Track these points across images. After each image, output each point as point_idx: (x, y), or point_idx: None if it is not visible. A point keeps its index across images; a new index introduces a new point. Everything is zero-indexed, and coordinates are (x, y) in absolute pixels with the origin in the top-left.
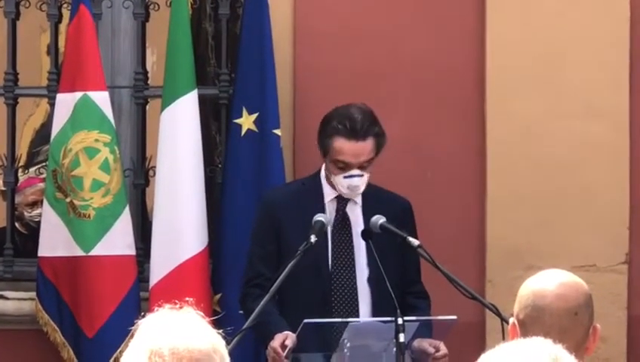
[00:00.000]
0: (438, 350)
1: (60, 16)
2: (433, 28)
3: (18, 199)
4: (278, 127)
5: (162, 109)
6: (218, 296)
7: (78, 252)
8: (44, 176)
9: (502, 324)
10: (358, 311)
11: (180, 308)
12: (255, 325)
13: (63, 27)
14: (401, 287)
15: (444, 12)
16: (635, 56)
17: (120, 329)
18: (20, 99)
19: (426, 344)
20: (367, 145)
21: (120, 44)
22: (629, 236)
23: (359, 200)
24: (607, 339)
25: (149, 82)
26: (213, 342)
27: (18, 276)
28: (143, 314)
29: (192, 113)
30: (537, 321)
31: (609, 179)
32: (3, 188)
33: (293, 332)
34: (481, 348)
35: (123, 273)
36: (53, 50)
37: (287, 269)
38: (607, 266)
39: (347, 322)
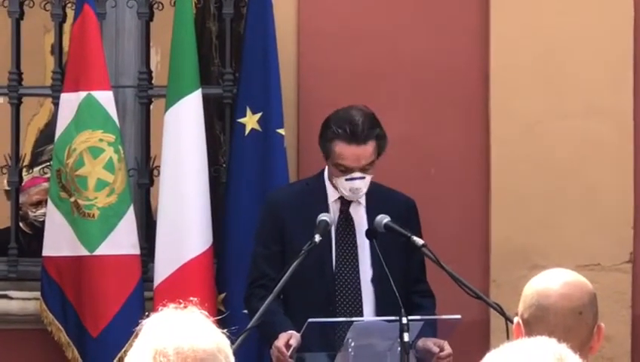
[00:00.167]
0: (442, 349)
1: (64, 15)
2: (437, 27)
3: (22, 199)
4: (281, 127)
5: (166, 109)
6: (222, 296)
7: (83, 251)
8: (48, 175)
9: (506, 324)
10: (362, 311)
11: (185, 307)
12: (259, 325)
13: (67, 27)
14: (406, 286)
15: (447, 11)
16: (639, 55)
17: (124, 328)
18: (24, 99)
19: (430, 343)
20: (368, 149)
21: (124, 44)
22: (633, 235)
23: (363, 200)
24: (612, 338)
25: (153, 82)
26: (218, 341)
27: (22, 276)
28: (147, 313)
29: (196, 113)
30: (542, 321)
31: (613, 178)
32: (7, 188)
33: (298, 331)
34: (486, 347)
35: (127, 273)
36: (57, 49)
37: (291, 268)
38: (611, 265)
39: (351, 321)
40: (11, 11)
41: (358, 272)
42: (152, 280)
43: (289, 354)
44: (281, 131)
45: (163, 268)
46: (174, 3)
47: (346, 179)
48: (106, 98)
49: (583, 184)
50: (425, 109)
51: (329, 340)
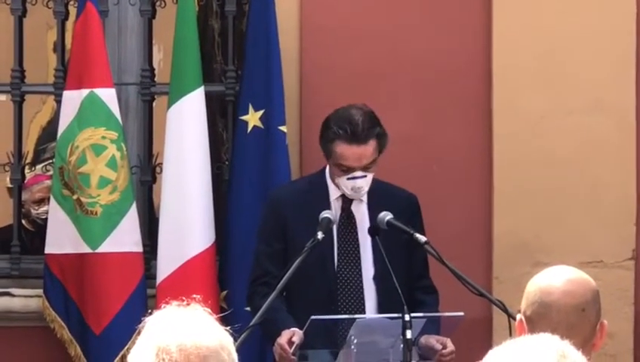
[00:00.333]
0: (445, 346)
1: (67, 13)
2: (440, 25)
3: (25, 196)
4: (283, 124)
5: (169, 106)
6: (224, 293)
7: (85, 249)
8: (50, 173)
9: (509, 321)
10: (364, 309)
11: (188, 305)
12: (262, 322)
13: (69, 24)
14: (409, 283)
15: (451, 9)
16: None
17: (127, 326)
18: (26, 97)
19: (433, 340)
20: (368, 148)
21: (126, 41)
22: (635, 232)
23: (365, 197)
24: (614, 335)
25: (155, 79)
26: (221, 338)
27: (25, 273)
28: (150, 311)
29: (199, 110)
30: (544, 318)
31: (616, 175)
32: (10, 186)
33: (300, 329)
34: (488, 344)
35: (130, 270)
36: (59, 47)
37: (294, 265)
38: (614, 262)
39: (354, 318)
40: (14, 9)
41: (360, 270)
42: (154, 278)
43: (292, 351)
44: (283, 128)
45: (165, 266)
46: (177, 0)
47: (348, 178)
48: (108, 95)
49: (586, 181)
50: (427, 107)
51: (332, 337)
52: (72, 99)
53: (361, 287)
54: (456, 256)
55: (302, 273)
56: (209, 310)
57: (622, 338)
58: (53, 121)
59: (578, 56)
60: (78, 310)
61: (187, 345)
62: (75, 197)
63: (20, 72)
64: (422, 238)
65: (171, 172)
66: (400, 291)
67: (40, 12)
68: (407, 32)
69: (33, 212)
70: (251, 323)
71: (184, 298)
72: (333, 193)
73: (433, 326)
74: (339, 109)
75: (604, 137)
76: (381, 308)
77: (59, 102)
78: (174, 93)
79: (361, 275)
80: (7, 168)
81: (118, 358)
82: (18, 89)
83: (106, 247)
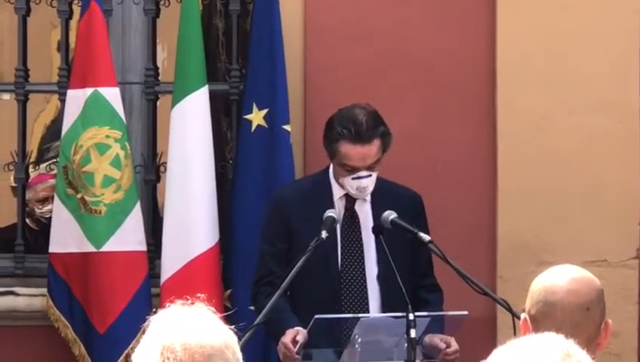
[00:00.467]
0: (449, 345)
1: (71, 12)
2: (444, 23)
3: (29, 195)
4: (287, 123)
5: (173, 105)
6: (228, 292)
7: (89, 248)
8: (54, 172)
9: (513, 320)
10: (367, 308)
11: (192, 304)
12: (266, 321)
13: (73, 23)
14: (413, 282)
15: (454, 6)
16: None
17: (131, 325)
18: (30, 96)
19: (437, 339)
20: (373, 148)
21: (130, 41)
22: (639, 231)
23: (368, 196)
24: (619, 334)
25: (159, 78)
26: (225, 337)
27: (29, 272)
28: (154, 310)
29: (203, 109)
30: (549, 317)
31: (620, 173)
32: (14, 185)
33: (305, 328)
34: (492, 343)
35: (134, 269)
36: (63, 46)
37: (298, 265)
38: (618, 261)
39: (358, 318)
40: (18, 8)
41: (363, 269)
42: (158, 277)
43: (296, 350)
44: (287, 127)
45: (170, 265)
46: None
47: (353, 178)
48: (112, 94)
49: (590, 180)
50: (431, 106)
51: (336, 336)
52: (76, 99)
53: (365, 287)
54: (461, 255)
55: (305, 272)
56: (213, 309)
57: (626, 337)
58: (57, 120)
59: (582, 55)
60: (82, 309)
61: (192, 344)
62: (79, 196)
63: (24, 71)
64: (426, 237)
65: (175, 171)
66: (404, 290)
67: (44, 11)
68: (412, 31)
69: (37, 211)
70: (255, 322)
71: (188, 297)
72: (337, 192)
73: (437, 325)
74: (342, 109)
75: (609, 136)
76: (384, 308)
77: (63, 101)
78: (178, 92)
79: (364, 274)
80: (11, 167)
81: (122, 357)
82: (22, 88)
83: (110, 246)
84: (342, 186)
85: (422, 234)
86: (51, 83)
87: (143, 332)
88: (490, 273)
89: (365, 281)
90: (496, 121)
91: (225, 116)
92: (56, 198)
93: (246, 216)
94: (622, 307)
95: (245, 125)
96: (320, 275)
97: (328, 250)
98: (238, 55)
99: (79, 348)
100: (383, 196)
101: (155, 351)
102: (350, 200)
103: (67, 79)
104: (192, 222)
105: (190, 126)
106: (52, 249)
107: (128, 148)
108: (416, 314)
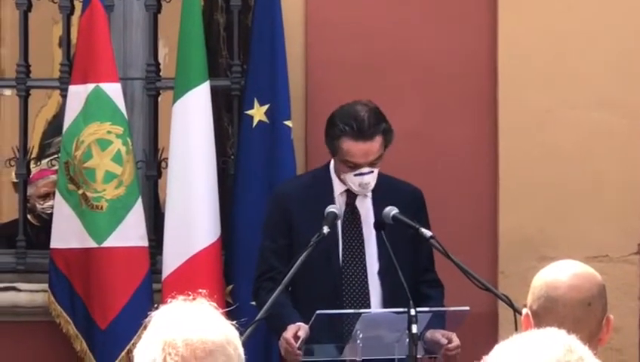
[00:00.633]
0: (450, 341)
1: (72, 7)
2: (446, 20)
3: (30, 191)
4: (289, 118)
5: (174, 101)
6: (230, 288)
7: (91, 243)
8: (56, 167)
9: (514, 315)
10: (369, 304)
11: (193, 299)
12: (268, 317)
13: (75, 19)
14: (414, 277)
15: (456, 4)
16: None
17: (133, 320)
18: (32, 91)
19: (438, 335)
20: (375, 144)
21: (132, 36)
22: None
23: (369, 192)
24: (620, 330)
25: (161, 74)
26: (227, 333)
27: (31, 268)
28: (156, 305)
29: (204, 105)
30: (551, 312)
31: (621, 169)
32: (15, 180)
33: (306, 323)
34: (494, 338)
35: (135, 265)
36: (65, 41)
37: (300, 260)
38: (619, 257)
39: (360, 313)
40: (19, 3)
41: (365, 265)
42: (160, 272)
43: (297, 345)
44: (288, 123)
45: (171, 260)
46: None
47: (355, 175)
48: (114, 90)
49: (592, 175)
50: (433, 102)
51: (337, 332)
52: (78, 94)
53: (366, 282)
54: (462, 250)
55: (307, 268)
56: (215, 304)
57: (627, 332)
58: (59, 116)
59: (583, 53)
60: (83, 305)
61: (193, 340)
62: (80, 191)
63: (25, 67)
64: (427, 233)
65: (177, 167)
66: (406, 286)
67: (45, 7)
68: (413, 28)
69: (38, 206)
70: (257, 318)
71: (190, 292)
72: (338, 188)
73: (439, 321)
74: (344, 106)
75: (610, 131)
76: (386, 303)
77: (64, 96)
78: (180, 88)
79: (365, 270)
80: (12, 163)
81: (124, 353)
82: (23, 84)
83: (111, 242)
84: (344, 183)
85: (423, 230)
86: (53, 78)
87: (145, 327)
88: (492, 268)
89: (366, 277)
90: (497, 118)
91: (226, 112)
92: (57, 194)
93: (247, 211)
94: (623, 302)
95: (247, 121)
96: (321, 271)
97: (329, 245)
98: (240, 50)
99: (81, 344)
100: (384, 191)
101: (157, 346)
102: (351, 195)
103: (69, 75)
104: (194, 217)
105: (192, 121)
106: (53, 244)
107: (130, 143)
108: (418, 309)
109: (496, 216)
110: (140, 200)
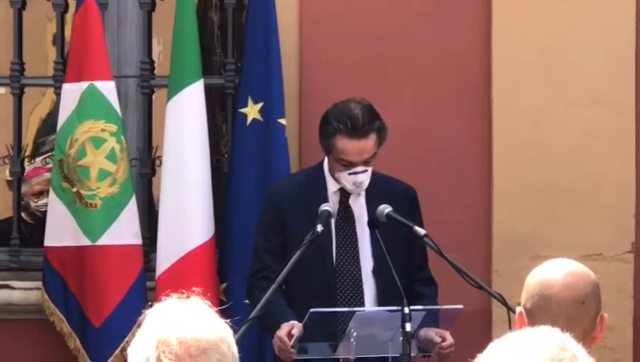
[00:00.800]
0: (444, 339)
1: (66, 5)
2: (440, 18)
3: (24, 189)
4: (283, 117)
5: (168, 99)
6: (224, 286)
7: (85, 241)
8: (50, 165)
9: (508, 314)
10: (362, 302)
11: (187, 297)
12: (261, 315)
13: (69, 17)
14: (408, 275)
15: (451, 2)
16: None
17: (127, 318)
18: (26, 89)
19: (432, 333)
20: (369, 142)
21: (126, 34)
22: (635, 225)
23: (363, 191)
24: (614, 328)
25: (155, 72)
26: (221, 331)
27: (24, 266)
28: (149, 303)
29: (199, 103)
30: (544, 310)
31: (615, 168)
32: (9, 178)
33: (300, 322)
34: (488, 337)
35: (129, 263)
36: (59, 39)
37: (293, 258)
38: (613, 255)
39: (354, 311)
40: (13, 1)
41: (358, 264)
42: (154, 270)
43: (291, 343)
44: (282, 121)
45: (165, 258)
46: None
47: (349, 174)
48: (108, 88)
49: (585, 174)
50: (427, 101)
51: (331, 330)
52: (72, 92)
53: (360, 280)
54: (456, 249)
55: (301, 266)
56: (209, 302)
57: (621, 331)
58: (53, 114)
59: (577, 50)
60: (77, 303)
61: (187, 338)
62: (74, 189)
63: (19, 65)
64: (421, 231)
65: (171, 165)
66: (399, 284)
67: (39, 4)
68: (407, 25)
69: (32, 204)
70: (251, 316)
71: (184, 290)
72: (331, 186)
73: (433, 319)
74: (338, 104)
75: (604, 130)
76: (380, 301)
77: (58, 94)
78: (174, 86)
79: (359, 268)
80: (6, 161)
81: (117, 351)
82: (17, 82)
83: (105, 240)
84: (338, 181)
85: (417, 228)
86: (47, 76)
87: (139, 325)
88: (486, 267)
89: (360, 275)
90: (491, 116)
91: (220, 110)
92: (51, 192)
93: (241, 209)
94: (617, 301)
95: (241, 119)
96: (315, 269)
97: (323, 244)
98: (234, 49)
99: (74, 342)
100: (377, 190)
101: (151, 344)
102: (345, 194)
103: (63, 73)
104: (188, 215)
105: (186, 119)
106: (47, 242)
107: (124, 141)
108: (412, 307)
109: (490, 215)
110: (133, 198)
